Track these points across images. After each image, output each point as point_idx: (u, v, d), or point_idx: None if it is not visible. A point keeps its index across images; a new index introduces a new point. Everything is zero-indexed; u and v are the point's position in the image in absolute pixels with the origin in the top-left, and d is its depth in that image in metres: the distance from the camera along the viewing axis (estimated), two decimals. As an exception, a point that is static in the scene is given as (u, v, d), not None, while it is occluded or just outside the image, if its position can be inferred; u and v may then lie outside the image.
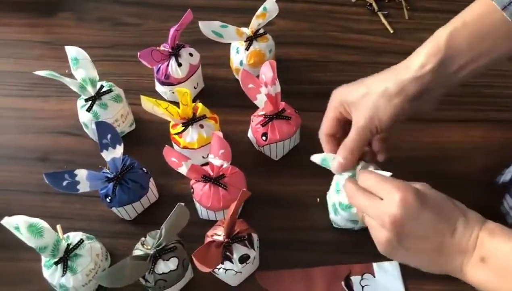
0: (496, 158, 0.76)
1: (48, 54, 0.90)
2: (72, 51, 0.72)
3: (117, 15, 0.95)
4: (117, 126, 0.76)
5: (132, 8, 0.96)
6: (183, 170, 0.64)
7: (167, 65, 0.78)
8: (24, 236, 0.58)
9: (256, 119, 0.74)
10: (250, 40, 0.81)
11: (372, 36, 0.92)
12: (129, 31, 0.93)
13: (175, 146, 0.75)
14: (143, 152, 0.75)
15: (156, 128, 0.79)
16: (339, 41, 0.92)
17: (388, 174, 0.58)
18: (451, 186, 0.74)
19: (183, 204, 0.61)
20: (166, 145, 0.64)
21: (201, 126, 0.72)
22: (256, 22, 0.79)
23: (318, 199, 0.74)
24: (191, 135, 0.72)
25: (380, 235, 0.54)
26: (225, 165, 0.66)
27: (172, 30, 0.76)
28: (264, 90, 0.70)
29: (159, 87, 0.83)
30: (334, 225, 0.70)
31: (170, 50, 0.78)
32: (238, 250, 0.62)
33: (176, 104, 0.71)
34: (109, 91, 0.75)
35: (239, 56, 0.82)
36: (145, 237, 0.63)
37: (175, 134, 0.73)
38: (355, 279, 0.67)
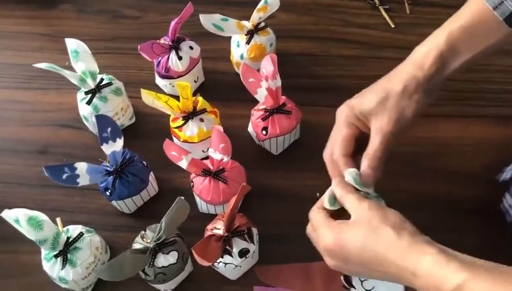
0: (496, 154, 0.76)
1: (47, 47, 0.90)
2: (72, 43, 0.72)
3: (117, 8, 0.95)
4: (117, 120, 0.76)
5: (133, 1, 0.96)
6: (183, 163, 0.64)
7: (167, 58, 0.78)
8: (24, 229, 0.58)
9: (256, 113, 0.74)
10: (251, 34, 0.80)
11: (373, 30, 0.92)
12: (130, 24, 0.93)
13: (175, 139, 0.74)
14: (143, 146, 0.75)
15: (156, 121, 0.79)
16: (340, 35, 0.91)
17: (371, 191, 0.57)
18: (451, 182, 0.74)
19: (183, 197, 0.61)
20: (166, 139, 0.64)
21: (201, 120, 0.72)
22: (257, 15, 0.79)
23: (318, 194, 0.73)
24: (191, 129, 0.72)
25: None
26: (225, 159, 0.66)
27: (172, 23, 0.76)
28: (264, 84, 0.69)
29: (159, 81, 0.83)
30: None
31: (170, 43, 0.78)
32: (238, 244, 0.62)
33: (176, 97, 0.71)
34: (109, 84, 0.74)
35: (239, 49, 0.82)
36: (145, 230, 0.63)
37: (175, 128, 0.73)
38: (354, 273, 0.67)
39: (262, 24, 0.82)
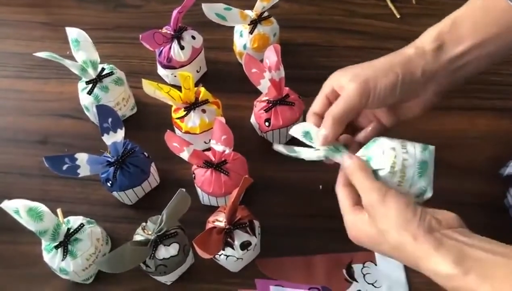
0: (501, 147, 0.76)
1: (48, 36, 0.89)
2: (73, 32, 0.71)
3: (119, -4, 0.94)
4: (118, 110, 0.75)
5: (134, -11, 0.95)
6: (184, 155, 0.64)
7: (169, 48, 0.77)
8: (24, 220, 0.57)
9: (259, 104, 0.73)
10: (254, 24, 0.79)
11: (378, 21, 0.91)
12: (131, 13, 0.92)
13: (177, 130, 0.74)
14: (145, 136, 0.75)
15: (157, 112, 0.78)
16: (345, 26, 0.90)
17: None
18: (455, 176, 0.74)
19: (184, 189, 0.61)
20: (168, 130, 0.64)
21: (203, 111, 0.71)
22: (260, 5, 0.78)
23: (320, 186, 0.73)
24: (193, 120, 0.71)
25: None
26: (227, 150, 0.65)
27: (174, 12, 0.75)
28: (267, 75, 0.69)
29: (161, 71, 0.82)
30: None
31: (172, 32, 0.77)
32: (240, 237, 0.62)
33: (178, 88, 0.70)
34: (110, 74, 0.74)
35: (242, 39, 0.81)
36: (146, 222, 0.62)
37: (177, 118, 0.72)
38: (356, 267, 0.67)
39: (266, 14, 0.80)
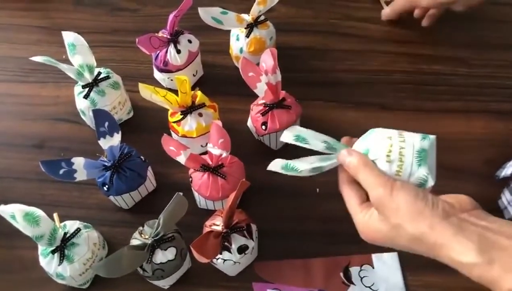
0: (498, 149, 0.76)
1: (45, 39, 0.89)
2: (69, 36, 0.71)
3: (115, 0, 0.94)
4: (115, 114, 0.75)
5: (131, -7, 0.95)
6: (181, 159, 0.64)
7: (166, 52, 0.77)
8: (20, 225, 0.57)
9: (256, 108, 0.73)
10: (250, 27, 0.80)
11: (374, 24, 0.91)
12: (128, 17, 0.92)
13: (173, 134, 0.74)
14: (141, 140, 0.74)
15: (154, 116, 0.78)
16: (340, 29, 0.91)
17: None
18: (451, 177, 0.74)
19: (181, 193, 0.61)
20: (165, 134, 0.63)
21: (200, 114, 0.71)
22: (257, 8, 0.78)
23: (317, 189, 0.73)
24: (190, 123, 0.71)
25: None
26: (224, 154, 0.65)
27: (171, 16, 0.75)
28: (264, 78, 0.69)
29: (157, 74, 0.82)
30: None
31: (169, 36, 0.77)
32: (237, 240, 0.62)
33: (175, 91, 0.70)
34: (107, 78, 0.73)
35: (239, 43, 0.81)
36: (143, 226, 0.62)
37: (174, 122, 0.72)
38: (354, 270, 0.67)
39: (262, 18, 0.81)
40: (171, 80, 0.80)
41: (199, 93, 0.72)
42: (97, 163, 0.65)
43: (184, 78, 0.67)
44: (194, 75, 0.82)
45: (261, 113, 0.72)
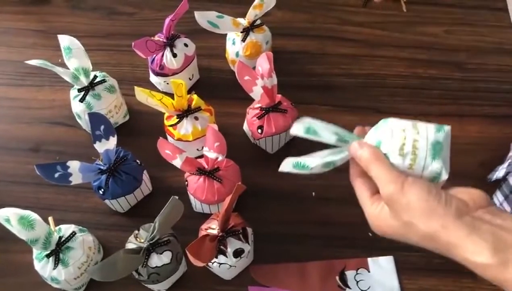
0: (492, 153, 0.76)
1: (41, 43, 0.89)
2: (65, 40, 0.71)
3: (112, 4, 0.94)
4: (111, 118, 0.75)
5: (127, -3, 0.95)
6: (177, 162, 0.64)
7: (162, 55, 0.77)
8: (15, 229, 0.57)
9: (252, 112, 0.73)
10: (246, 31, 0.80)
11: (370, 28, 0.92)
12: (124, 21, 0.92)
13: (169, 137, 0.74)
14: (137, 144, 0.74)
15: (150, 119, 0.78)
16: (336, 34, 0.91)
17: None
18: (446, 181, 0.74)
19: (177, 197, 0.60)
20: (160, 137, 0.63)
21: (196, 118, 0.71)
22: (253, 12, 0.78)
23: (313, 193, 0.73)
24: (186, 127, 0.71)
25: None
26: (220, 157, 0.65)
27: (167, 20, 0.75)
28: (260, 82, 0.69)
29: (153, 78, 0.82)
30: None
31: (165, 40, 0.77)
32: (233, 244, 0.61)
33: (171, 95, 0.70)
34: (103, 81, 0.73)
35: (235, 47, 0.81)
36: (139, 230, 0.62)
37: (170, 126, 0.72)
38: (349, 274, 0.67)
39: (258, 22, 0.81)
40: (167, 83, 0.80)
41: (195, 97, 0.72)
42: (92, 167, 0.65)
43: (180, 82, 0.67)
44: (190, 79, 0.82)
45: (257, 117, 0.72)
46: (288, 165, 0.53)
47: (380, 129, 0.49)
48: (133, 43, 0.72)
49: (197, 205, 0.69)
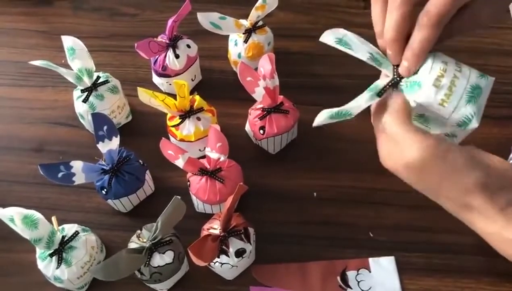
0: (494, 154, 0.76)
1: (44, 44, 0.89)
2: (68, 41, 0.71)
3: (114, 5, 0.94)
4: (114, 118, 0.75)
5: (130, -2, 0.95)
6: (179, 162, 0.64)
7: (165, 56, 0.77)
8: (19, 228, 0.57)
9: (254, 112, 0.73)
10: (248, 33, 0.80)
11: (372, 30, 0.91)
12: (127, 22, 0.92)
13: (171, 138, 0.74)
14: (140, 144, 0.75)
15: (152, 120, 0.78)
16: (339, 35, 0.91)
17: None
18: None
19: (179, 197, 0.61)
20: (163, 137, 0.64)
21: (198, 119, 0.72)
22: (255, 14, 0.78)
23: (315, 193, 0.73)
24: (188, 128, 0.71)
25: None
26: (222, 158, 0.66)
27: (170, 21, 0.76)
28: (262, 83, 0.69)
29: (156, 79, 0.83)
30: None
31: (167, 41, 0.77)
32: (234, 244, 0.62)
33: (173, 96, 0.70)
34: (106, 82, 0.74)
35: (237, 48, 0.81)
36: (141, 229, 0.62)
37: (172, 126, 0.72)
38: (350, 274, 0.67)
39: (260, 23, 0.81)
40: (170, 84, 0.80)
41: (197, 97, 0.73)
42: (95, 167, 0.66)
43: (182, 83, 0.68)
44: (192, 80, 0.82)
45: (259, 118, 0.72)
46: (324, 117, 0.48)
47: (423, 66, 0.45)
48: (135, 44, 0.73)
49: (199, 205, 0.70)
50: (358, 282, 0.66)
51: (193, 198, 0.69)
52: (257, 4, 0.78)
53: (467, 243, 0.68)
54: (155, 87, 0.83)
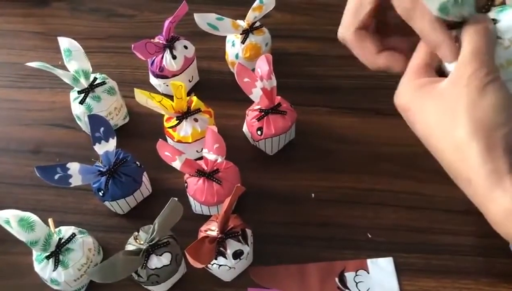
0: None
1: (41, 45, 0.89)
2: (64, 42, 0.71)
3: (111, 6, 0.94)
4: (110, 119, 0.75)
5: (127, -1, 0.95)
6: (177, 164, 0.64)
7: (162, 57, 0.77)
8: (15, 230, 0.57)
9: (251, 113, 0.73)
10: (246, 33, 0.80)
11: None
12: (124, 23, 0.92)
13: (169, 139, 0.74)
14: (137, 145, 0.75)
15: (149, 121, 0.78)
16: (336, 35, 0.91)
17: None
18: (449, 183, 0.74)
19: (176, 198, 0.61)
20: (160, 139, 0.63)
21: (196, 120, 0.71)
22: (252, 14, 0.78)
23: (313, 194, 0.73)
24: (185, 129, 0.71)
25: None
26: (220, 159, 0.65)
27: (167, 22, 0.75)
28: (259, 84, 0.69)
29: (153, 80, 0.82)
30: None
31: (164, 42, 0.77)
32: (232, 246, 0.62)
33: (170, 97, 0.70)
34: (103, 83, 0.74)
35: (234, 49, 0.81)
36: (138, 231, 0.62)
37: (169, 128, 0.72)
38: (349, 275, 0.66)
39: (258, 24, 0.81)
40: (167, 85, 0.80)
41: (194, 98, 0.72)
42: (92, 168, 0.65)
43: (179, 84, 0.67)
44: (189, 81, 0.82)
45: (256, 119, 0.72)
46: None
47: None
48: (132, 45, 0.72)
49: (197, 207, 0.69)
50: (357, 283, 0.66)
51: (191, 199, 0.69)
52: (254, 4, 0.77)
53: (466, 244, 0.68)
54: (152, 89, 0.83)
